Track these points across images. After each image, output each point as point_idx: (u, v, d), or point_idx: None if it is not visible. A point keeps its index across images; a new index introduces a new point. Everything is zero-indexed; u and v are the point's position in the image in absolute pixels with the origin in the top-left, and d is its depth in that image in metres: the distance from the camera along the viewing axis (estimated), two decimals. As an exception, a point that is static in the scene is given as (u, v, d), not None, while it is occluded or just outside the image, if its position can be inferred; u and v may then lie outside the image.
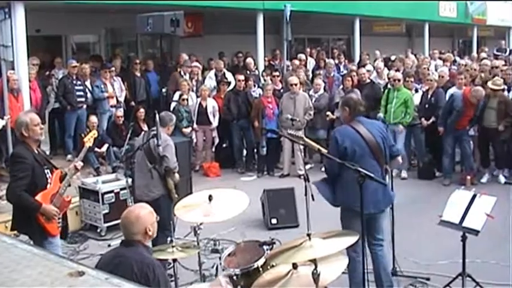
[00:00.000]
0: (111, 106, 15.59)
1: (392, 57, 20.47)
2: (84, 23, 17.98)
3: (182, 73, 16.76)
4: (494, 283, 7.84)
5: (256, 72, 18.25)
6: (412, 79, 14.93)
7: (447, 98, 13.72)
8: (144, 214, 5.18)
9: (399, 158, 7.50)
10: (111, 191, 10.89)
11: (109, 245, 9.76)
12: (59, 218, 7.06)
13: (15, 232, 7.24)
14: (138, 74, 16.89)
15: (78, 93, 14.97)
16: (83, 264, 2.22)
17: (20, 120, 7.03)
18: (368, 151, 7.04)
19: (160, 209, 7.44)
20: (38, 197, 6.79)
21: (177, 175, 8.65)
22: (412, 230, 10.15)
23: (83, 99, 15.10)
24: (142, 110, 15.01)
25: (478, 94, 13.06)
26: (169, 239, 6.53)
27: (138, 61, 17.46)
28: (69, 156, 14.40)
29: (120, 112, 15.32)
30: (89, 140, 7.63)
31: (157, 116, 8.29)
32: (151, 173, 8.48)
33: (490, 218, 7.06)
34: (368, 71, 17.21)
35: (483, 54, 22.72)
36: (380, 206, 7.28)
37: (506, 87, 14.05)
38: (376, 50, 22.70)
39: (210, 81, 16.71)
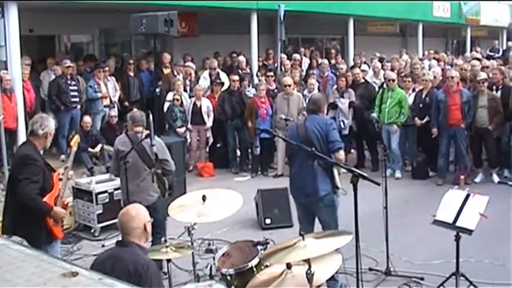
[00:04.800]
0: (105, 106, 15.59)
1: (386, 57, 20.49)
2: (77, 23, 17.96)
3: (176, 73, 16.77)
4: (488, 282, 7.85)
5: (248, 70, 18.25)
6: (410, 79, 14.94)
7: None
8: (142, 211, 5.27)
9: (339, 153, 7.59)
10: (105, 191, 10.85)
11: (103, 246, 9.76)
12: (62, 221, 7.05)
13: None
14: (132, 74, 16.92)
15: (72, 93, 14.95)
16: (76, 265, 2.22)
17: (49, 123, 6.95)
18: (300, 143, 7.26)
19: (158, 211, 7.47)
20: (46, 200, 6.74)
21: None
22: (405, 230, 10.17)
23: (77, 99, 15.08)
24: (135, 109, 14.94)
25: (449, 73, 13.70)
26: (163, 239, 6.51)
27: (131, 61, 17.46)
28: (62, 157, 14.39)
29: (114, 112, 15.34)
30: (74, 145, 7.60)
31: (150, 116, 8.28)
32: (152, 177, 8.44)
33: (483, 217, 7.07)
34: (363, 71, 17.22)
35: (473, 55, 22.79)
36: (307, 196, 7.74)
37: (494, 87, 14.10)
38: (376, 53, 22.73)
39: (205, 81, 16.69)
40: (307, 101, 14.62)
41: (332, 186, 7.58)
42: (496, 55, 24.71)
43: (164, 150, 8.50)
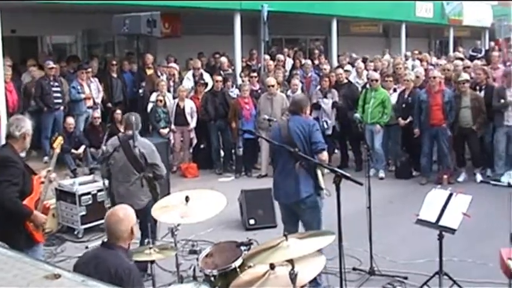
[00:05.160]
0: (88, 107, 15.53)
1: (371, 58, 20.52)
2: (60, 23, 17.90)
3: (159, 74, 16.75)
4: (471, 281, 7.90)
5: (230, 71, 18.23)
6: (391, 79, 15.02)
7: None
8: (130, 213, 5.25)
9: (323, 154, 7.61)
10: (88, 193, 10.82)
11: (86, 247, 9.71)
12: (43, 226, 6.99)
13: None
14: (115, 75, 16.88)
15: (55, 94, 14.89)
16: (59, 267, 2.22)
17: (25, 123, 6.87)
18: (283, 144, 7.30)
19: (147, 214, 7.42)
20: (26, 203, 6.66)
21: None
22: (389, 229, 10.22)
23: (60, 101, 15.01)
24: (119, 111, 14.92)
25: (430, 73, 13.80)
26: (147, 240, 6.51)
27: (114, 62, 17.41)
28: (45, 158, 14.31)
29: (97, 113, 15.31)
30: (57, 147, 7.55)
31: (133, 117, 8.27)
32: (141, 181, 8.43)
33: (466, 216, 7.11)
34: (346, 71, 17.25)
35: (455, 55, 22.89)
36: (289, 197, 7.77)
37: (478, 87, 14.19)
38: (353, 53, 22.74)
39: (188, 82, 16.65)
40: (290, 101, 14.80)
41: (315, 187, 7.57)
42: (479, 55, 24.78)
43: (154, 154, 8.48)
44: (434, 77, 13.51)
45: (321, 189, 7.58)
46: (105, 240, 5.21)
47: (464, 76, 13.87)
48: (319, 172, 7.54)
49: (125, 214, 5.20)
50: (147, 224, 7.22)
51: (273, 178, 8.23)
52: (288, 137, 7.62)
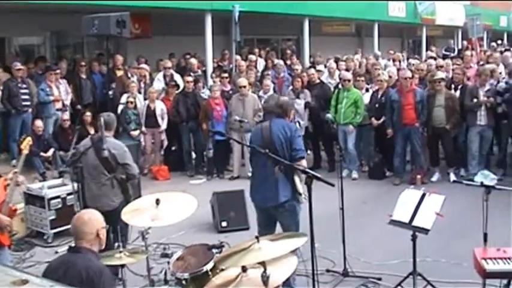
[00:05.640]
0: (57, 109, 15.41)
1: (344, 57, 20.57)
2: (28, 24, 17.76)
3: (129, 75, 16.69)
4: (445, 281, 7.94)
5: (200, 72, 18.20)
6: (363, 78, 15.13)
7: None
8: (96, 217, 5.23)
9: (302, 162, 7.51)
10: (58, 197, 10.73)
11: (56, 252, 9.65)
12: (9, 229, 6.93)
13: None
14: (84, 77, 16.78)
15: (23, 96, 14.77)
16: (27, 273, 2.21)
17: None
18: (262, 147, 7.20)
19: (119, 216, 7.39)
20: None
21: None
22: (362, 230, 10.26)
23: (28, 103, 14.90)
24: (88, 113, 14.83)
25: (402, 73, 13.92)
26: (117, 244, 6.48)
27: (84, 63, 17.31)
28: (13, 162, 14.19)
29: (66, 115, 15.20)
30: (25, 148, 7.50)
31: (102, 119, 8.24)
32: (112, 182, 8.42)
33: (439, 216, 7.15)
34: (319, 71, 17.29)
35: (427, 54, 23.08)
36: (267, 201, 7.68)
37: (453, 86, 14.31)
38: (318, 53, 22.80)
39: (159, 83, 16.61)
40: (263, 101, 14.81)
41: (293, 192, 7.50)
42: (452, 54, 24.98)
43: (125, 154, 8.46)
44: (406, 78, 13.57)
45: (299, 194, 7.55)
46: (73, 245, 5.19)
47: (440, 75, 13.96)
48: (296, 177, 7.50)
49: (90, 217, 5.20)
50: (119, 226, 7.19)
51: (250, 180, 8.17)
52: (269, 139, 7.58)
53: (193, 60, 18.42)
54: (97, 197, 8.28)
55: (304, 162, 7.60)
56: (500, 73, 14.97)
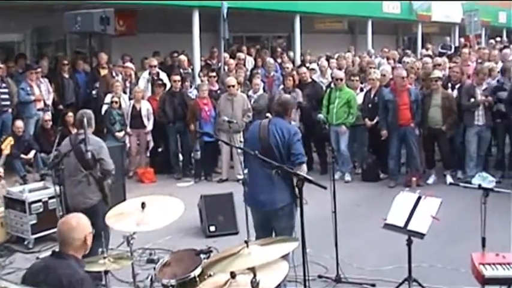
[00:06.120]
0: (38, 109, 15.34)
1: (336, 55, 20.58)
2: (8, 21, 17.68)
3: (114, 74, 16.64)
4: (441, 287, 7.96)
5: (190, 70, 18.19)
6: (357, 78, 15.12)
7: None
8: (84, 221, 5.19)
9: (302, 168, 7.43)
10: (39, 200, 10.64)
11: (37, 258, 9.57)
12: None
13: None
14: (67, 75, 16.70)
15: (2, 96, 14.69)
16: (7, 280, 2.19)
17: None
18: (259, 148, 7.21)
19: (98, 215, 7.39)
20: None
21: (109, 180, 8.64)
22: (356, 235, 10.26)
23: (8, 103, 14.81)
24: (70, 113, 14.71)
25: (398, 72, 13.89)
26: (100, 249, 6.45)
27: (66, 61, 17.23)
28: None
29: (48, 116, 15.12)
30: (6, 147, 7.49)
31: (85, 118, 8.22)
32: (88, 179, 8.43)
33: (435, 220, 7.15)
34: (311, 69, 17.29)
35: (422, 52, 23.08)
36: (264, 205, 7.61)
37: (450, 85, 14.31)
38: (309, 49, 22.81)
39: (144, 82, 16.56)
40: (252, 101, 14.79)
41: (292, 195, 7.40)
42: (448, 52, 24.99)
43: (101, 149, 8.49)
44: (402, 77, 13.54)
45: (296, 197, 7.47)
46: (56, 249, 5.15)
47: (437, 74, 13.94)
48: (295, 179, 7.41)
49: (78, 222, 5.15)
50: (98, 225, 7.15)
51: (247, 183, 8.09)
52: (266, 140, 7.54)
53: (183, 57, 18.38)
54: (73, 195, 8.38)
55: (304, 168, 7.52)
56: (499, 72, 14.94)
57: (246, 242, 5.06)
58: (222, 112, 14.18)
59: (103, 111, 14.94)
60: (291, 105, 8.16)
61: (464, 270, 7.75)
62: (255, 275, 4.94)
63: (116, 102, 14.97)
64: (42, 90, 15.61)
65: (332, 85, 14.84)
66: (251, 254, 4.93)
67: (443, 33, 33.22)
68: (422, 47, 28.98)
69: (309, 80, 15.81)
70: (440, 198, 7.38)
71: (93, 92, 15.11)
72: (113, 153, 9.10)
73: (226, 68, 18.33)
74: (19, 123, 14.11)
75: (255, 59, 21.22)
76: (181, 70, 17.18)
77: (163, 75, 16.78)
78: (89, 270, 5.65)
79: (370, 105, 14.21)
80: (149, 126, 15.34)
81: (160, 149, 16.05)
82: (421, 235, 7.18)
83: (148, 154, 16.04)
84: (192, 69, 18.62)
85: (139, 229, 6.42)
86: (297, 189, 5.95)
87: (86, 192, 8.45)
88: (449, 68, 15.77)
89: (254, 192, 7.76)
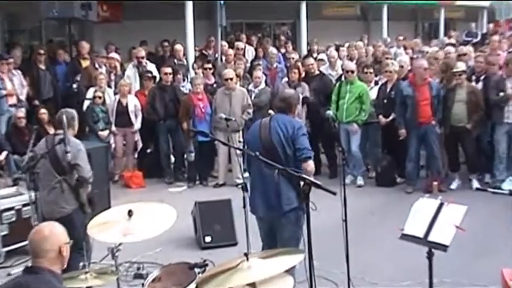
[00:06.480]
0: (10, 105, 15.32)
1: (346, 45, 20.55)
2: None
3: (97, 65, 16.62)
4: (466, 307, 7.98)
5: (184, 61, 18.18)
6: (371, 70, 15.05)
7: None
8: (58, 230, 5.14)
9: (308, 164, 7.52)
10: (12, 208, 10.63)
11: (9, 274, 9.60)
12: None
13: None
14: (43, 67, 16.69)
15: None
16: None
17: None
18: (260, 149, 7.24)
19: (74, 226, 7.39)
20: None
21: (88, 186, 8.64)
22: (369, 246, 10.24)
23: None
24: (43, 110, 14.69)
25: (418, 63, 13.78)
26: (81, 263, 6.45)
27: (42, 51, 17.19)
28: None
29: (22, 113, 15.04)
30: None
31: (64, 116, 8.22)
32: (61, 186, 8.41)
33: (460, 230, 7.14)
34: (320, 60, 17.29)
35: (443, 40, 22.93)
36: (268, 211, 7.67)
37: (474, 77, 14.24)
38: (316, 38, 22.78)
39: (131, 75, 16.54)
40: (253, 96, 14.79)
41: (299, 199, 7.40)
42: (474, 40, 24.84)
43: (78, 153, 8.44)
44: (424, 69, 13.44)
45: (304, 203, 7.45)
46: (30, 264, 5.14)
47: (461, 66, 13.81)
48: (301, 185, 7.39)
49: (52, 231, 5.10)
50: (74, 237, 7.15)
51: (250, 188, 8.08)
52: (267, 139, 7.58)
53: (179, 46, 18.28)
54: (46, 203, 8.37)
55: (311, 163, 7.59)
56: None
57: (245, 254, 5.06)
58: (219, 109, 14.15)
59: (84, 108, 14.94)
60: (295, 101, 8.15)
61: (493, 288, 7.76)
62: (255, 292, 4.95)
63: (100, 98, 14.97)
64: (15, 84, 15.59)
65: (342, 78, 14.84)
66: (251, 268, 4.93)
67: (469, 19, 33.02)
68: (445, 34, 28.85)
69: (317, 72, 15.82)
70: (465, 206, 7.36)
71: (74, 85, 15.13)
72: (95, 155, 9.12)
73: (223, 59, 18.32)
74: (-11, 121, 14.14)
75: (255, 49, 21.22)
76: (176, 61, 17.16)
77: (151, 67, 16.77)
78: (68, 287, 5.65)
79: (385, 101, 14.18)
80: (137, 124, 15.36)
81: (149, 150, 16.06)
82: (443, 247, 7.14)
83: (136, 156, 16.05)
84: (186, 60, 18.59)
85: (125, 240, 6.41)
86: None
87: (59, 201, 8.43)
88: (475, 58, 15.68)
89: (258, 197, 7.78)
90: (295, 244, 7.44)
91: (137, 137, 15.63)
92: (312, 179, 5.78)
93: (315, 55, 18.55)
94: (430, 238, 7.20)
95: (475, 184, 13.77)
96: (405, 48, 21.25)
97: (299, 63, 16.32)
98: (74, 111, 8.97)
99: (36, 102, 16.15)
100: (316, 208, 5.91)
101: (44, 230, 5.12)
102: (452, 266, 8.88)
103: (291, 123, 7.69)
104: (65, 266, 5.23)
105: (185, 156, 15.40)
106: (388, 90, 14.24)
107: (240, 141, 13.48)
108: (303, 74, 15.66)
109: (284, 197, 7.47)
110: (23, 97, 15.80)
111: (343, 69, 15.21)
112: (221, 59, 18.56)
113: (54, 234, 5.08)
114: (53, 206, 8.36)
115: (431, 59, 15.47)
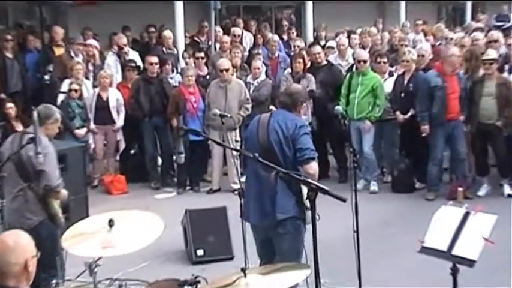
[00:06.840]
0: (-27, 100, 15.38)
1: (358, 31, 20.56)
2: None
3: (73, 54, 16.60)
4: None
5: (175, 50, 18.17)
6: (386, 59, 15.03)
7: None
8: (24, 241, 5.03)
9: (310, 166, 7.48)
10: (-24, 217, 10.69)
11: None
12: None
13: None
14: (10, 55, 16.66)
15: None
16: None
17: None
18: (258, 149, 7.21)
19: (41, 240, 7.30)
20: None
21: (64, 192, 8.57)
22: (384, 261, 10.27)
23: None
24: (11, 104, 14.64)
25: (450, 51, 13.61)
26: (54, 281, 6.45)
27: (9, 37, 17.15)
28: None
29: (-14, 108, 15.14)
30: None
31: (34, 112, 8.20)
32: (25, 194, 8.36)
33: (489, 243, 7.13)
34: (328, 48, 17.30)
35: (469, 25, 22.86)
36: (262, 219, 7.64)
37: (507, 67, 14.21)
38: (324, 23, 22.79)
39: (112, 65, 16.53)
40: (251, 90, 14.80)
41: (299, 206, 7.40)
42: (506, 25, 24.74)
43: (46, 157, 8.30)
44: (457, 56, 13.36)
45: (307, 209, 7.39)
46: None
47: (492, 54, 13.71)
48: (304, 189, 7.34)
49: (17, 242, 4.98)
50: (42, 252, 7.13)
51: (245, 190, 8.10)
52: (265, 139, 7.57)
53: (168, 33, 18.26)
54: (10, 213, 8.34)
55: (313, 165, 7.54)
56: None
57: (243, 270, 5.06)
58: (213, 104, 14.14)
59: (58, 102, 14.89)
60: (302, 99, 8.10)
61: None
62: (254, 313, 4.95)
63: (76, 91, 14.92)
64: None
65: (353, 69, 14.84)
66: (249, 285, 4.94)
67: (500, 1, 32.90)
68: (473, 18, 28.76)
69: (324, 62, 15.81)
70: (495, 215, 7.36)
71: (46, 76, 15.10)
72: (71, 156, 9.08)
73: (217, 47, 18.33)
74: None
75: (254, 36, 21.24)
76: (163, 49, 17.15)
77: (134, 55, 16.74)
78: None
79: (402, 94, 14.12)
80: (119, 121, 15.36)
81: (133, 151, 16.05)
82: (469, 262, 7.13)
83: (117, 157, 16.06)
84: (176, 49, 18.57)
85: (105, 254, 6.41)
86: (308, 202, 5.92)
87: (22, 210, 8.36)
88: (508, 45, 15.61)
89: (253, 201, 7.75)
90: (296, 258, 7.43)
91: (119, 136, 15.63)
92: (317, 183, 5.76)
93: (322, 42, 18.55)
94: (455, 252, 7.19)
95: (507, 190, 13.71)
96: (425, 34, 21.24)
97: (304, 52, 16.31)
98: (52, 108, 8.91)
99: (3, 95, 16.11)
100: (319, 218, 5.88)
101: (8, 240, 5.00)
102: (480, 283, 8.88)
103: (292, 121, 7.65)
104: (31, 282, 5.16)
105: (174, 157, 15.39)
106: (405, 82, 14.17)
107: (236, 141, 13.51)
108: (309, 64, 15.62)
109: (280, 203, 7.44)
110: (-15, 90, 15.85)
111: (354, 59, 15.19)
112: (215, 47, 18.56)
113: (19, 246, 4.96)
114: (16, 215, 8.29)
115: (457, 46, 15.39)
